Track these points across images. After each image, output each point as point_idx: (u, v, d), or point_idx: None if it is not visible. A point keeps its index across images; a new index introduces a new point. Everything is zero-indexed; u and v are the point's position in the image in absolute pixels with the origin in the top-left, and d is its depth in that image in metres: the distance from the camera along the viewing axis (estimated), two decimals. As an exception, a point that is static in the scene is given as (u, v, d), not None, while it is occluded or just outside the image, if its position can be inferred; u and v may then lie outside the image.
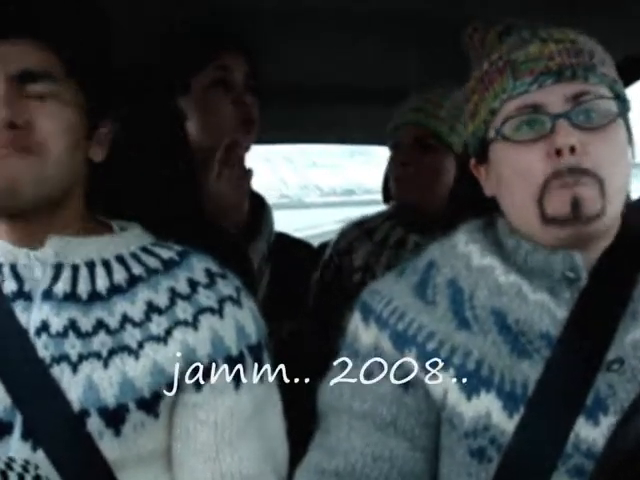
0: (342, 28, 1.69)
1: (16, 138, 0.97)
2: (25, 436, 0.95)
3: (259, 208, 1.74)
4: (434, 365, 1.02)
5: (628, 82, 1.71)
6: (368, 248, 1.85)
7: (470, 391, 0.99)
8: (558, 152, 0.96)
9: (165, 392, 1.01)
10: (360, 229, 1.90)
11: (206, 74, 1.54)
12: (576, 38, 1.03)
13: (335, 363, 1.12)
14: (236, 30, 1.54)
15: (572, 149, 0.96)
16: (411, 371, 1.04)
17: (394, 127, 1.84)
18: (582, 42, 1.03)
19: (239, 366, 1.05)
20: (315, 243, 2.25)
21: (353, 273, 1.84)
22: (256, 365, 1.07)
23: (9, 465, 0.75)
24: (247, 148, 1.58)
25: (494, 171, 1.06)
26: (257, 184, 1.68)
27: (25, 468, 0.77)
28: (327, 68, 1.92)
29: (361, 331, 1.10)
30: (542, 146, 0.98)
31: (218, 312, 1.05)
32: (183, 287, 1.06)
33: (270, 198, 2.31)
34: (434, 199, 1.80)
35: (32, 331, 1.00)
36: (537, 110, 0.99)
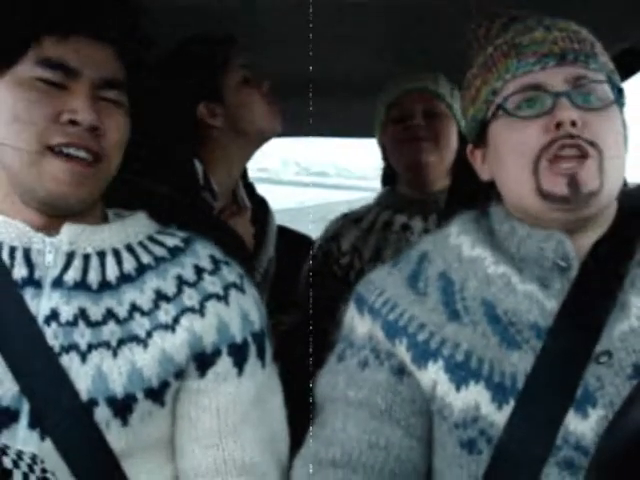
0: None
1: (94, 143, 0.99)
2: (32, 424, 0.96)
3: (264, 214, 1.80)
4: (424, 356, 1.04)
5: (624, 76, 1.71)
6: (355, 233, 1.85)
7: (459, 382, 1.01)
8: (558, 125, 0.98)
9: (172, 380, 1.02)
10: (346, 219, 1.91)
11: (235, 74, 1.59)
12: (579, 29, 1.06)
13: (332, 353, 1.14)
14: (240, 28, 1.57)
15: (573, 123, 0.98)
16: (404, 361, 1.06)
17: (395, 97, 1.81)
18: (584, 33, 1.06)
19: (242, 353, 1.06)
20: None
21: (341, 257, 1.84)
22: (259, 352, 1.08)
23: (19, 456, 0.76)
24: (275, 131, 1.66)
25: (492, 150, 1.07)
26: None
27: (34, 460, 0.77)
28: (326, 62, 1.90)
29: (356, 322, 1.11)
30: (541, 122, 1.00)
31: (223, 299, 1.07)
32: (189, 274, 1.07)
33: (250, 171, 2.31)
34: (442, 168, 1.79)
35: (41, 319, 1.00)
36: (538, 89, 1.01)
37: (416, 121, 1.78)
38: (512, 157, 1.03)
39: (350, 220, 1.89)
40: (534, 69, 1.02)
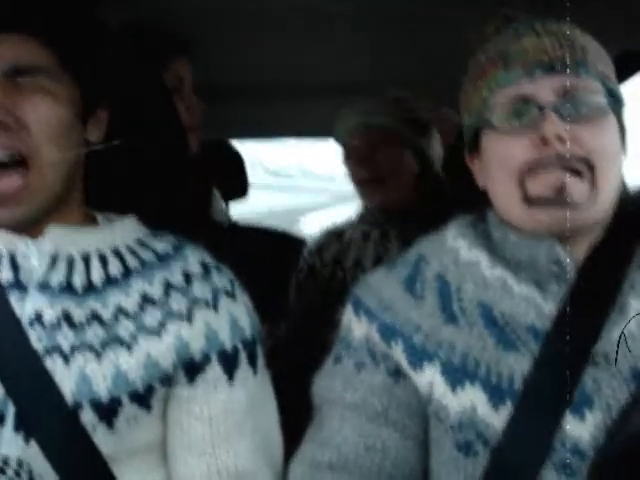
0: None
1: (9, 140, 0.95)
2: (18, 427, 0.94)
3: (207, 197, 1.82)
4: (420, 358, 1.03)
5: (625, 77, 1.69)
6: (337, 247, 1.90)
7: (455, 384, 1.00)
8: (544, 141, 0.96)
9: (158, 386, 1.00)
10: (329, 234, 1.96)
11: (167, 80, 1.51)
12: (571, 32, 1.02)
13: (329, 356, 1.13)
14: (186, 32, 1.52)
15: (560, 138, 0.96)
16: (400, 363, 1.05)
17: (344, 134, 1.85)
18: (576, 36, 1.02)
19: (233, 360, 1.04)
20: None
21: (323, 268, 1.89)
22: (250, 359, 1.06)
23: (6, 462, 0.73)
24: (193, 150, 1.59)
25: (484, 160, 1.06)
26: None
27: (20, 465, 0.74)
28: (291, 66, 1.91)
29: (353, 324, 1.11)
30: (527, 136, 0.98)
31: (213, 305, 1.04)
32: (177, 279, 1.05)
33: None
34: (399, 195, 1.83)
35: (26, 321, 0.98)
36: (526, 101, 0.99)
37: (366, 161, 1.81)
38: (499, 171, 1.02)
39: (332, 235, 1.94)
40: (522, 80, 0.99)
